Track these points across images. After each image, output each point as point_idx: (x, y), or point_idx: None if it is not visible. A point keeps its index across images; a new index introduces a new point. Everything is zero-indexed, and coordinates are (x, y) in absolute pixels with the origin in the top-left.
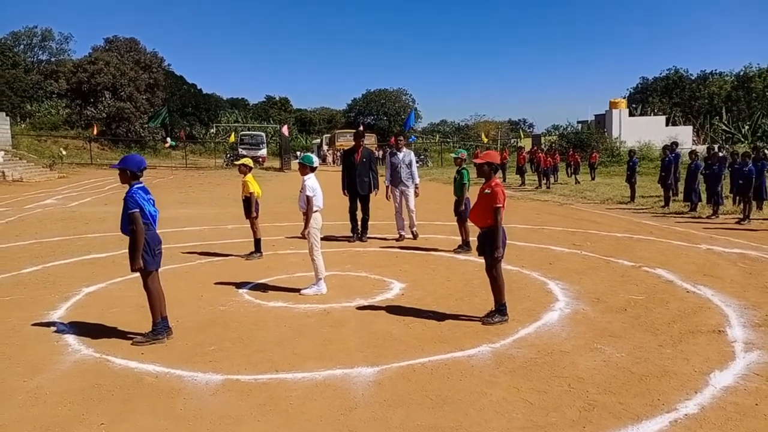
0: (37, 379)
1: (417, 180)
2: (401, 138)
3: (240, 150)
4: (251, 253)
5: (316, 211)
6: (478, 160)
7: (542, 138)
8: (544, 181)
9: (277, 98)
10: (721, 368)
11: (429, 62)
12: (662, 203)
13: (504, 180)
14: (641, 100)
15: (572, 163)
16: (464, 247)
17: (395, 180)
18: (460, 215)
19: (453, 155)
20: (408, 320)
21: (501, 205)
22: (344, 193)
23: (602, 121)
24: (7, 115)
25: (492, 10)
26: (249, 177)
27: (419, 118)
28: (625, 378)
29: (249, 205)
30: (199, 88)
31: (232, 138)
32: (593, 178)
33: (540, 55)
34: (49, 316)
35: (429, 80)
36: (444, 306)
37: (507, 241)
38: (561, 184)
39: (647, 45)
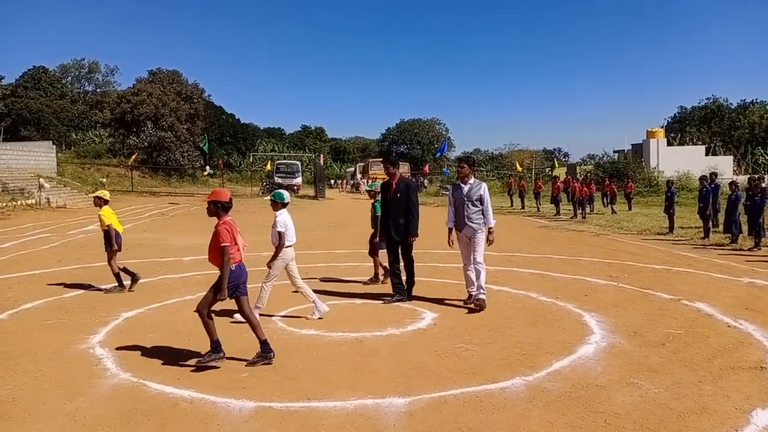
0: (77, 402)
1: (491, 221)
2: (464, 165)
3: (276, 178)
4: (114, 286)
5: (289, 246)
6: (206, 198)
7: (577, 167)
8: (580, 211)
9: (313, 128)
10: (763, 406)
11: (463, 91)
12: (702, 235)
13: (538, 209)
14: (679, 130)
15: (608, 192)
16: (374, 279)
17: (459, 221)
18: (373, 247)
19: (366, 188)
20: (440, 351)
21: (226, 244)
22: (382, 239)
23: (639, 151)
24: (53, 143)
25: (526, 38)
26: (105, 210)
27: (452, 147)
28: (662, 414)
29: (109, 238)
30: (237, 117)
31: (269, 166)
32: (630, 209)
33: (576, 84)
34: (89, 341)
35: (463, 109)
36: (476, 337)
37: (243, 282)
38: (597, 214)
39: (685, 74)
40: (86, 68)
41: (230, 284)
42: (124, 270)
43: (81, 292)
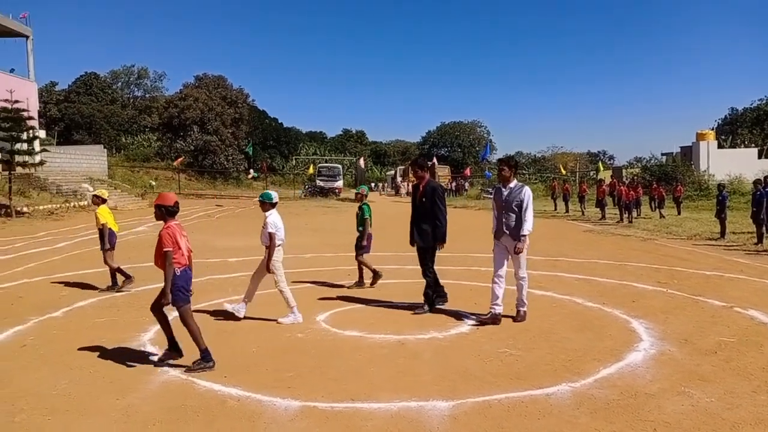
0: (129, 398)
1: (527, 228)
2: (504, 167)
3: (318, 181)
4: (108, 287)
5: (279, 245)
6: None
7: (624, 170)
8: (626, 215)
9: (354, 131)
10: None
11: (504, 93)
12: (755, 240)
13: (582, 213)
14: (731, 132)
15: (656, 196)
16: (376, 276)
17: (498, 229)
18: (360, 250)
19: (355, 191)
20: (483, 355)
21: (169, 249)
22: (411, 244)
23: (689, 154)
24: (104, 147)
25: (570, 38)
26: (101, 209)
27: (494, 149)
28: (715, 424)
29: (102, 237)
30: (280, 122)
31: (311, 170)
32: (679, 213)
33: (622, 86)
34: (140, 338)
35: (504, 111)
36: (520, 342)
37: (188, 287)
38: (644, 218)
39: (737, 75)
40: (135, 74)
41: (178, 288)
42: (118, 270)
43: (131, 291)
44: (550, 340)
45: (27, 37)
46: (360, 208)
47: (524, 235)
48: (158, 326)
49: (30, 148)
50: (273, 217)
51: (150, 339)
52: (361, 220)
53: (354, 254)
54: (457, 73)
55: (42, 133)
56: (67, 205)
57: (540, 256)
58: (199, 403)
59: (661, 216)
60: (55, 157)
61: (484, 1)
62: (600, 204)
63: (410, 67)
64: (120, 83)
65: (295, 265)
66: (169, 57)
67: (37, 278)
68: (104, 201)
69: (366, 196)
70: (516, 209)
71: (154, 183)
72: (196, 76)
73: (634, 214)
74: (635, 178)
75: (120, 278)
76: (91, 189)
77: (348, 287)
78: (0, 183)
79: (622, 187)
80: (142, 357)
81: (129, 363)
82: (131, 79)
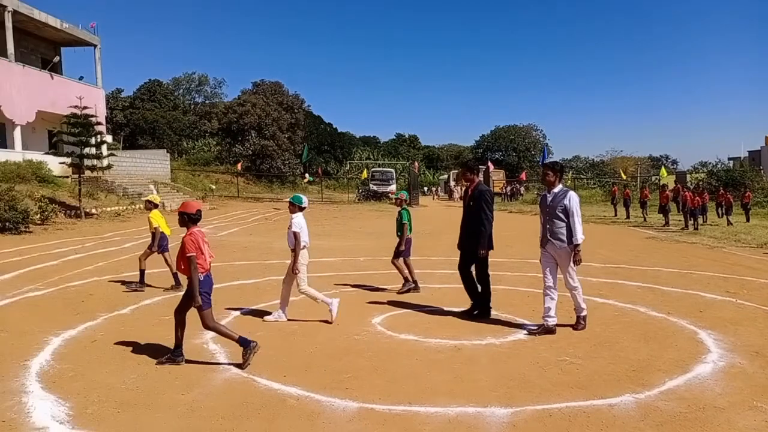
0: (193, 394)
1: (578, 237)
2: (549, 172)
3: (371, 185)
4: (172, 286)
5: (303, 247)
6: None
7: (688, 175)
8: (691, 222)
9: (407, 136)
10: None
11: (561, 96)
12: None
13: (644, 219)
14: None
15: (723, 202)
16: (412, 286)
17: (543, 236)
18: (398, 254)
19: (394, 196)
20: (542, 362)
21: (192, 254)
22: (458, 248)
23: (757, 158)
24: (167, 151)
25: (629, 38)
26: (153, 213)
27: (551, 153)
28: None
29: (153, 239)
30: (334, 127)
31: (365, 174)
32: (748, 220)
33: (685, 87)
34: (203, 336)
35: (560, 114)
36: (580, 350)
37: (210, 291)
38: (711, 225)
39: None
40: (196, 81)
41: (201, 293)
42: (142, 273)
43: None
44: (613, 349)
45: (95, 45)
46: (399, 213)
47: (578, 245)
48: None
49: (98, 152)
50: (299, 219)
51: (212, 337)
52: (400, 225)
53: (393, 258)
54: (512, 77)
55: (109, 138)
56: (133, 207)
57: (600, 263)
58: (260, 401)
59: (729, 223)
60: (121, 161)
61: (536, 4)
62: (663, 210)
63: (464, 71)
64: (181, 90)
65: (349, 268)
66: (228, 64)
67: (105, 276)
68: (156, 206)
69: (406, 200)
70: (561, 215)
71: (213, 186)
72: (254, 82)
73: (700, 220)
74: (701, 183)
75: (137, 280)
76: (155, 192)
77: (400, 292)
78: (70, 186)
79: (686, 193)
80: (205, 354)
81: (193, 360)
82: (192, 85)
